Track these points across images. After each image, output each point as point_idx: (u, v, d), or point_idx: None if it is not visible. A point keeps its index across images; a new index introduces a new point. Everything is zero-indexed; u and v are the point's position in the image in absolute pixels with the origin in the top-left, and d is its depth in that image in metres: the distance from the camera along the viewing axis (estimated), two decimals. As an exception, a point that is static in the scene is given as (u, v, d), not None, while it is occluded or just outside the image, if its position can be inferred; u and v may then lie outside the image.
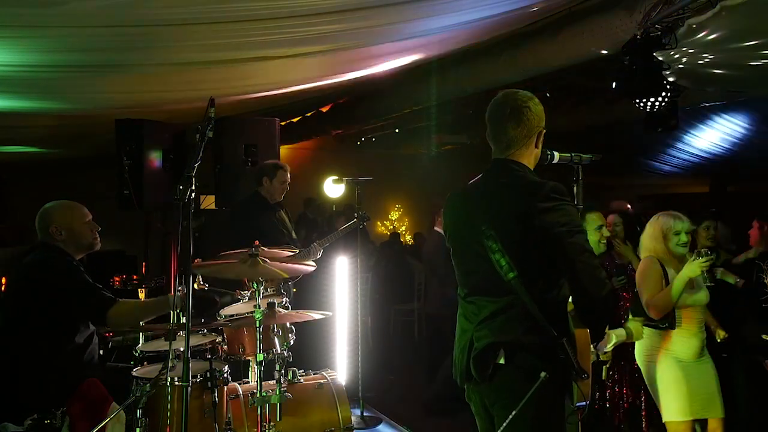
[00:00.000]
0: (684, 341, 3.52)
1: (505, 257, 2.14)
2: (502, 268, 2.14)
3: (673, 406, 3.48)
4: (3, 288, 5.01)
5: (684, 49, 3.63)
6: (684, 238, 3.56)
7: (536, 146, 2.34)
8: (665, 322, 3.53)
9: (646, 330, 3.61)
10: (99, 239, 3.52)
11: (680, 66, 3.81)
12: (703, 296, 3.55)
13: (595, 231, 3.97)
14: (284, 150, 7.46)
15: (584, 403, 2.23)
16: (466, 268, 2.37)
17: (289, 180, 4.94)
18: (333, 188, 5.94)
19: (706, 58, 3.70)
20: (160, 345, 3.45)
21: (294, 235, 5.01)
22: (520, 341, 2.18)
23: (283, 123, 7.56)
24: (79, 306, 3.29)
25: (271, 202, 4.89)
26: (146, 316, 3.35)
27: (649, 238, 3.68)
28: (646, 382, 3.67)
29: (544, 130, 2.35)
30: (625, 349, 3.85)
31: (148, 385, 2.89)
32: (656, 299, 3.49)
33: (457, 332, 2.40)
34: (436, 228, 5.92)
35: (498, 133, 2.33)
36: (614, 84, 4.07)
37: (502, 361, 2.18)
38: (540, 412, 2.14)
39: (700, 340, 3.54)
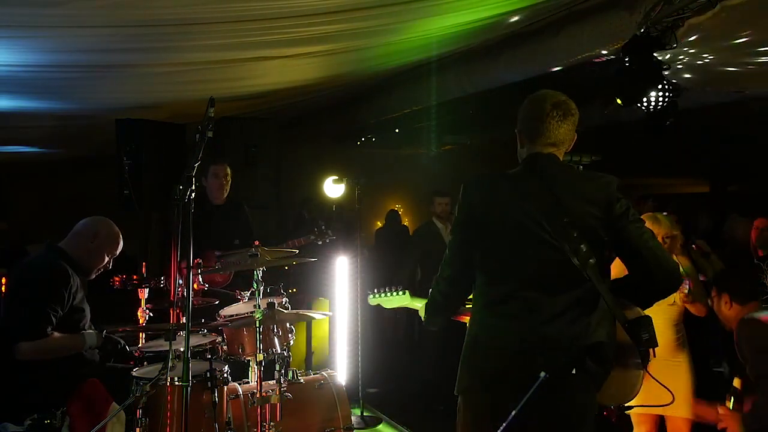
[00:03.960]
0: None
1: (585, 243, 2.10)
2: (580, 256, 2.09)
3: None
4: (3, 288, 5.02)
5: (684, 49, 3.63)
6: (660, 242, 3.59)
7: (569, 149, 2.39)
8: None
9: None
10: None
11: (680, 66, 3.81)
12: (676, 297, 3.62)
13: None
14: (284, 150, 7.46)
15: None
16: (525, 259, 2.21)
17: (223, 176, 4.71)
18: (333, 188, 5.92)
19: (706, 58, 3.70)
20: (160, 345, 3.46)
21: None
22: (601, 344, 2.16)
23: (282, 123, 7.56)
24: (10, 316, 3.28)
25: (213, 202, 4.74)
26: (60, 355, 3.33)
27: None
28: None
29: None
30: None
31: (148, 385, 2.89)
32: None
33: (495, 337, 2.22)
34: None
35: (545, 130, 2.29)
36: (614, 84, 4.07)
37: (575, 370, 2.12)
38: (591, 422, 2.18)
39: (669, 339, 3.59)
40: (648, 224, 3.60)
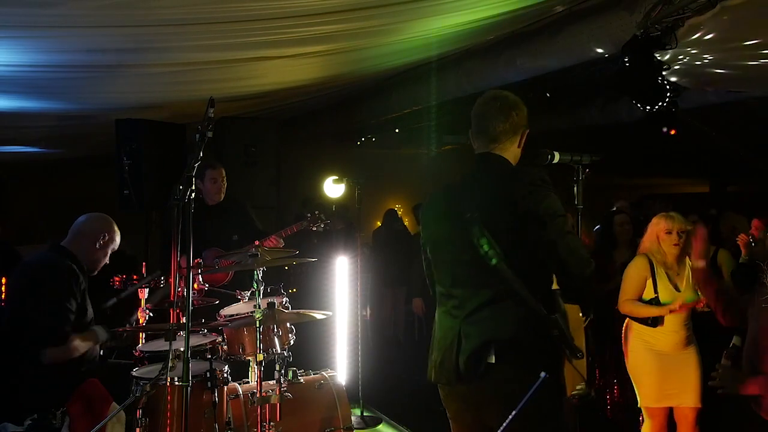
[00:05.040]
0: (665, 336, 3.67)
1: (491, 243, 2.17)
2: (488, 254, 2.16)
3: (646, 393, 3.71)
4: (3, 288, 5.02)
5: (684, 49, 3.63)
6: (675, 237, 3.68)
7: (519, 145, 2.39)
8: (648, 320, 3.71)
9: (629, 320, 3.83)
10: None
11: (680, 66, 3.81)
12: (687, 298, 3.65)
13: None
14: (284, 150, 7.46)
15: (582, 384, 2.26)
16: (450, 260, 2.36)
17: (221, 180, 4.69)
18: (333, 188, 5.92)
19: (706, 58, 3.70)
20: (160, 345, 3.46)
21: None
22: (514, 336, 2.19)
23: (282, 123, 7.56)
24: (30, 322, 3.26)
25: (208, 203, 4.71)
26: (81, 353, 3.36)
27: (646, 238, 3.85)
28: (627, 369, 3.83)
29: (528, 131, 2.40)
30: (617, 340, 3.94)
31: (148, 385, 2.89)
32: (627, 304, 3.74)
33: (439, 332, 2.39)
34: None
35: (484, 127, 2.38)
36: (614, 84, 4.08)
37: (492, 360, 2.17)
38: (542, 413, 2.13)
39: (682, 337, 3.68)
40: (662, 221, 3.70)
